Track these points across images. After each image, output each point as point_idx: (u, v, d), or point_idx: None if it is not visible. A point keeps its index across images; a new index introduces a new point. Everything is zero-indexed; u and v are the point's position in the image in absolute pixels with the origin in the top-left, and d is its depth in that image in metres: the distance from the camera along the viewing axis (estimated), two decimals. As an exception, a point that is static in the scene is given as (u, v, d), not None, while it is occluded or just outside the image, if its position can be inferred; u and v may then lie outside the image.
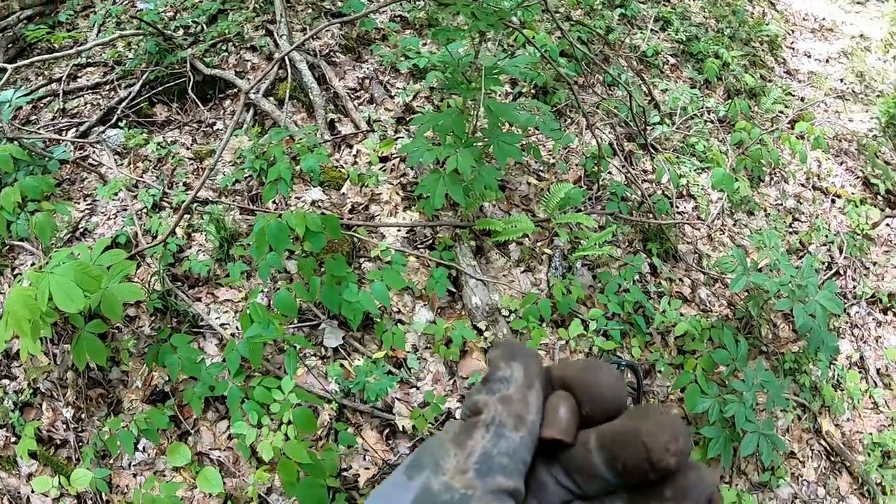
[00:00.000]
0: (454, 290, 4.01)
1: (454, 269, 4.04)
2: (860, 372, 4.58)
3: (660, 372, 4.14)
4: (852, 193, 5.72)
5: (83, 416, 3.47)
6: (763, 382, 3.83)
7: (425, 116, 3.88)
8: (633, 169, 5.15)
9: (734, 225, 5.07)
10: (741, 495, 3.84)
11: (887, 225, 5.60)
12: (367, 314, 3.53)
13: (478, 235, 4.35)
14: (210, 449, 3.36)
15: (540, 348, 4.04)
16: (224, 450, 3.37)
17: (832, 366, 4.45)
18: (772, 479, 4.00)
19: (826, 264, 5.00)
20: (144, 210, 4.22)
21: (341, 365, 3.56)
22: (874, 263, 5.22)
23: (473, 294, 3.96)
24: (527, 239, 4.42)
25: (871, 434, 4.37)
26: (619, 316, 4.19)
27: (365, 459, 3.33)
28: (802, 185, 5.70)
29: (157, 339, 3.49)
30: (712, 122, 5.97)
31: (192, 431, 3.38)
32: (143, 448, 3.35)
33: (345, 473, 3.24)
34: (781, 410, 4.20)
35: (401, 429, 3.44)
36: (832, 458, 4.23)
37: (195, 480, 3.06)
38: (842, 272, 5.01)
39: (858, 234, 5.29)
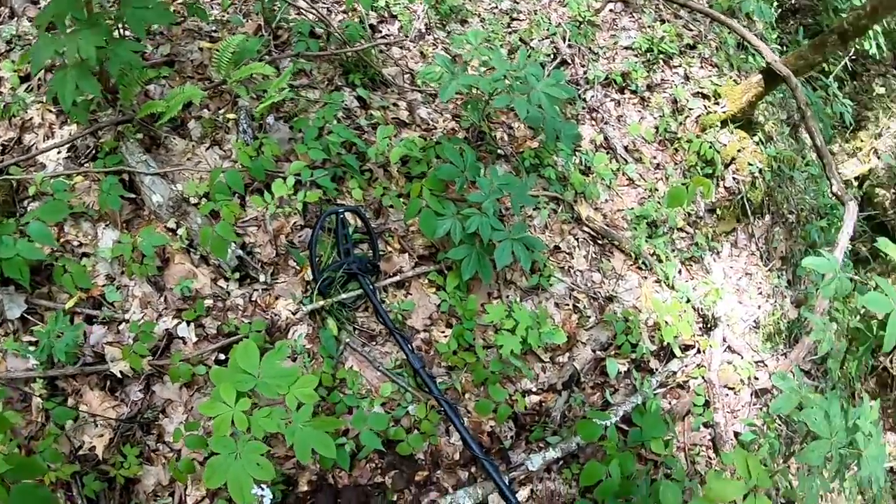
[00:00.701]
0: (134, 196, 3.28)
1: (126, 173, 3.27)
2: (608, 152, 4.34)
3: (391, 207, 3.60)
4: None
5: None
6: (502, 186, 3.42)
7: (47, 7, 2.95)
8: (322, 2, 4.44)
9: (448, 36, 4.55)
10: (512, 306, 3.47)
11: (611, 11, 5.37)
12: (42, 262, 3.00)
13: (148, 125, 3.49)
14: None
15: (246, 224, 3.35)
16: None
17: (577, 153, 4.16)
18: (542, 280, 3.66)
19: (552, 56, 4.66)
20: None
21: (31, 333, 2.88)
22: (602, 48, 4.97)
23: (153, 192, 3.29)
24: (206, 111, 3.65)
25: (632, 209, 4.18)
26: (329, 161, 3.56)
27: (97, 426, 2.75)
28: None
29: None
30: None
31: None
32: None
33: (81, 452, 2.74)
34: (534, 209, 3.84)
35: (119, 375, 2.84)
36: (599, 242, 3.98)
37: None
38: (569, 60, 4.71)
39: (582, 22, 5.00)
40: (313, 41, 4.03)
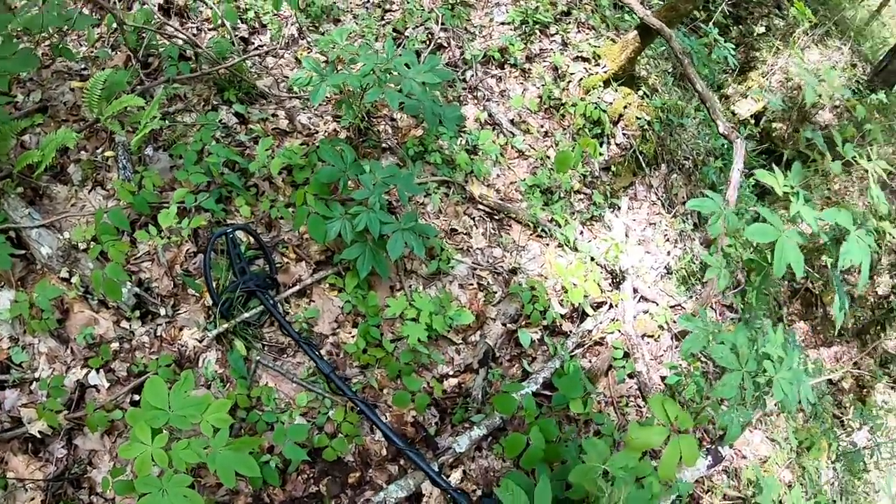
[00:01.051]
0: (24, 251, 3.17)
1: (11, 229, 3.16)
2: (493, 128, 4.35)
3: (281, 219, 3.55)
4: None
5: None
6: (387, 179, 3.39)
7: None
8: (191, 23, 4.34)
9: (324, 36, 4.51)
10: (413, 295, 3.45)
11: (483, -10, 5.39)
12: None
13: (27, 177, 3.37)
14: None
15: (139, 260, 3.27)
16: None
17: (462, 134, 4.16)
18: (441, 264, 3.65)
19: (427, 42, 4.65)
20: None
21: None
22: (478, 27, 4.99)
23: (41, 245, 3.19)
24: (84, 152, 3.58)
25: (524, 180, 4.19)
26: (213, 183, 3.50)
27: (27, 491, 2.66)
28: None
29: None
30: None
31: None
32: None
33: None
34: (426, 195, 3.82)
35: (39, 435, 2.75)
36: (496, 218, 3.99)
37: None
38: (445, 44, 4.70)
39: (455, 4, 5.00)
40: (184, 64, 3.96)
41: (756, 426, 4.65)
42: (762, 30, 7.02)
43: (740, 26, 7.60)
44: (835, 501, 5.59)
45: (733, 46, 6.36)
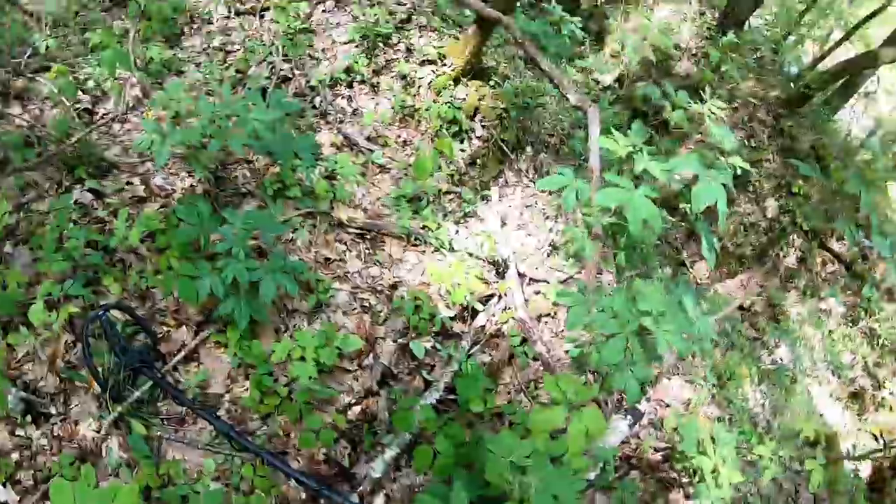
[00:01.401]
0: None
1: None
2: (351, 149, 4.35)
3: (153, 288, 3.46)
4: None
5: None
6: (247, 226, 3.35)
7: None
8: (32, 104, 4.19)
9: (164, 95, 4.41)
10: (296, 334, 3.42)
11: (323, 12, 5.38)
12: None
13: None
14: None
15: (19, 363, 3.14)
16: None
17: (321, 161, 4.13)
18: (320, 296, 3.63)
19: (270, 75, 4.61)
20: None
21: None
22: (321, 51, 4.98)
23: None
24: None
25: (389, 194, 4.21)
26: (78, 267, 3.38)
27: None
28: (226, 17, 5.18)
29: None
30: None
31: None
32: None
33: None
34: (293, 231, 3.80)
35: None
36: (368, 237, 3.99)
37: None
38: (290, 75, 4.68)
39: (294, 33, 4.98)
40: (29, 150, 3.77)
41: (673, 372, 4.80)
42: (606, -3, 7.25)
43: (588, -4, 7.82)
44: (768, 421, 5.84)
45: (585, 17, 6.58)
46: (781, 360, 6.88)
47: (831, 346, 7.27)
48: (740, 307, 7.14)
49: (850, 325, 7.40)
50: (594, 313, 3.09)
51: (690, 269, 7.12)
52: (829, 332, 7.17)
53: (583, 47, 7.09)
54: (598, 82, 6.86)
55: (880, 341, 7.32)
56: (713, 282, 7.11)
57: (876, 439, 7.24)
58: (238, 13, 5.23)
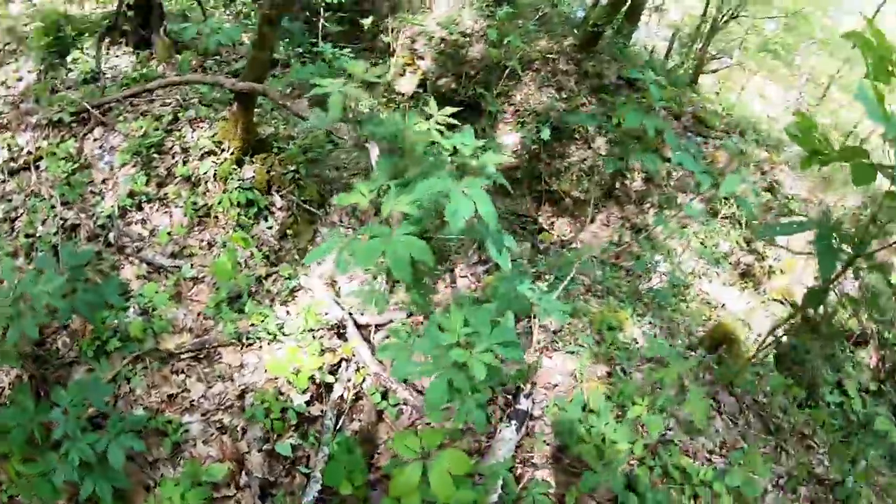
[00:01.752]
0: None
1: None
2: (159, 272, 4.24)
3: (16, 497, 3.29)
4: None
5: None
6: (76, 401, 3.29)
7: None
8: None
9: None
10: (161, 486, 3.32)
11: (94, 140, 5.19)
12: None
13: None
14: None
15: None
16: None
17: (131, 298, 4.01)
18: (173, 436, 3.53)
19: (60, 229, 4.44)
20: None
21: None
22: (104, 181, 4.81)
23: None
24: None
25: (207, 305, 4.13)
26: None
27: None
28: (2, 182, 4.92)
29: None
30: None
31: None
32: None
33: None
34: (126, 381, 3.67)
35: None
36: (202, 356, 3.91)
37: None
38: (77, 220, 4.51)
39: (68, 174, 4.79)
40: None
41: (552, 349, 4.87)
42: (367, 22, 7.27)
43: (366, 18, 7.76)
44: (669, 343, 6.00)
45: (370, 38, 6.59)
46: (665, 275, 7.15)
47: (706, 240, 7.61)
48: (612, 243, 7.40)
49: (713, 217, 7.74)
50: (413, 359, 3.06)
51: (551, 231, 7.34)
52: (694, 232, 7.49)
53: (376, 67, 7.13)
54: (402, 94, 6.94)
55: (743, 222, 7.73)
56: (576, 233, 7.35)
57: (782, 303, 7.69)
58: (12, 172, 5.00)
